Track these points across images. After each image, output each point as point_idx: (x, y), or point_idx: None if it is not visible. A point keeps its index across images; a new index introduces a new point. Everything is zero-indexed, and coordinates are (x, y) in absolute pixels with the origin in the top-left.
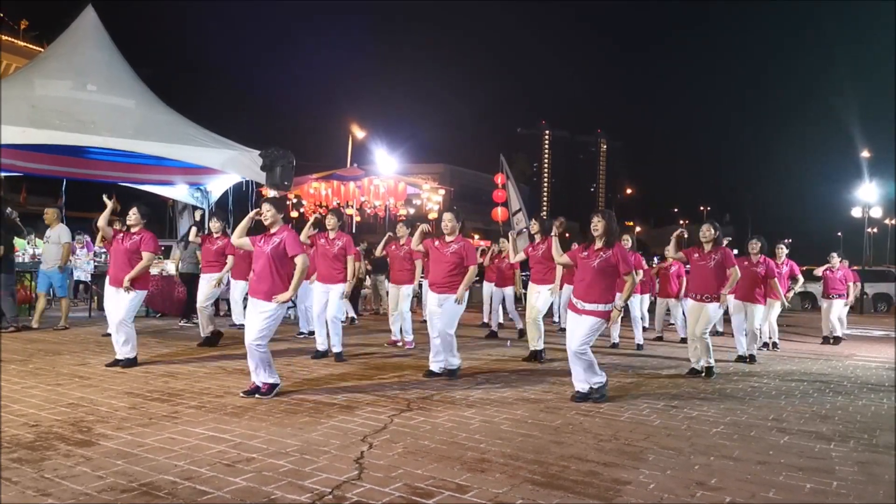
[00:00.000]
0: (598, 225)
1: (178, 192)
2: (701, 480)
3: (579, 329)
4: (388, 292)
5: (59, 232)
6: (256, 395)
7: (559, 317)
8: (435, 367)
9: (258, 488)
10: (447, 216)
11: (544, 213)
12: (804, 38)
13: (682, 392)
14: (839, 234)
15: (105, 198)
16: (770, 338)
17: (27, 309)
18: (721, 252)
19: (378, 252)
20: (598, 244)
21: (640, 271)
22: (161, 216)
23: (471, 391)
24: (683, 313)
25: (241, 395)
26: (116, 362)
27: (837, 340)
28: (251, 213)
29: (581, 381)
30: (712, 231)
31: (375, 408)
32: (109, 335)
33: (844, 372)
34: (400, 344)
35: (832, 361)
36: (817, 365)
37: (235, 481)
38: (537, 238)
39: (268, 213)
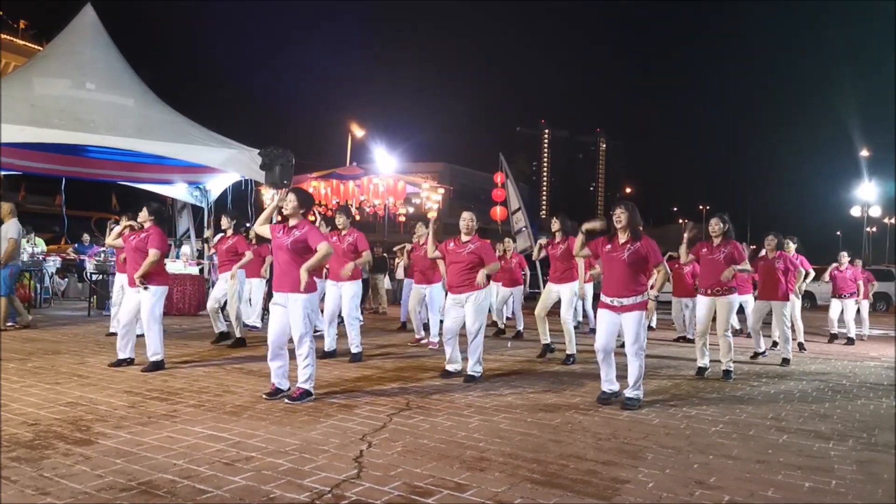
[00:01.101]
0: (621, 216)
1: (177, 190)
2: (700, 479)
3: (630, 328)
4: (388, 290)
5: (8, 227)
6: (286, 400)
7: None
8: (451, 367)
9: (257, 487)
10: (467, 215)
11: (543, 212)
12: (804, 37)
13: (681, 391)
14: (838, 233)
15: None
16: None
17: (26, 308)
18: (731, 245)
19: (404, 264)
20: (623, 237)
21: None
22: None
23: (470, 391)
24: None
25: (264, 396)
26: (120, 363)
27: (850, 341)
28: (275, 201)
29: (612, 381)
30: (721, 225)
31: (374, 407)
32: (114, 335)
33: (843, 371)
34: (424, 342)
35: (831, 361)
36: (816, 364)
37: (234, 480)
38: (558, 237)
39: (290, 203)
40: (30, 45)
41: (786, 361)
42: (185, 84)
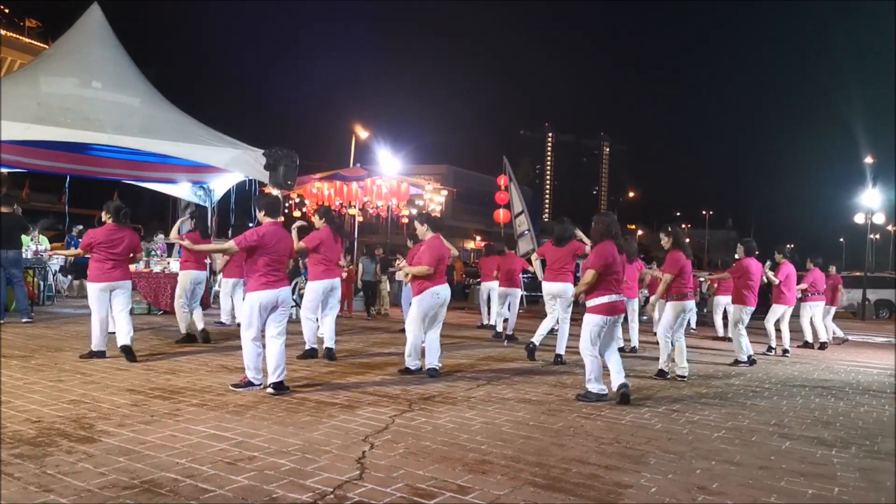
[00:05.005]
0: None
1: (181, 190)
2: (702, 485)
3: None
4: (389, 292)
5: None
6: (230, 385)
7: None
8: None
9: (259, 487)
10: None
11: (546, 215)
12: (809, 43)
13: (684, 396)
14: (842, 239)
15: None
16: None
17: (31, 305)
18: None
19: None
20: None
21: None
22: (163, 214)
23: (472, 392)
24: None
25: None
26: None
27: (807, 345)
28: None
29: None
30: (667, 238)
31: (377, 408)
32: (113, 333)
33: (846, 378)
34: None
35: (834, 367)
36: (819, 370)
37: (237, 479)
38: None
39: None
40: (35, 43)
41: (736, 362)
42: (191, 84)
